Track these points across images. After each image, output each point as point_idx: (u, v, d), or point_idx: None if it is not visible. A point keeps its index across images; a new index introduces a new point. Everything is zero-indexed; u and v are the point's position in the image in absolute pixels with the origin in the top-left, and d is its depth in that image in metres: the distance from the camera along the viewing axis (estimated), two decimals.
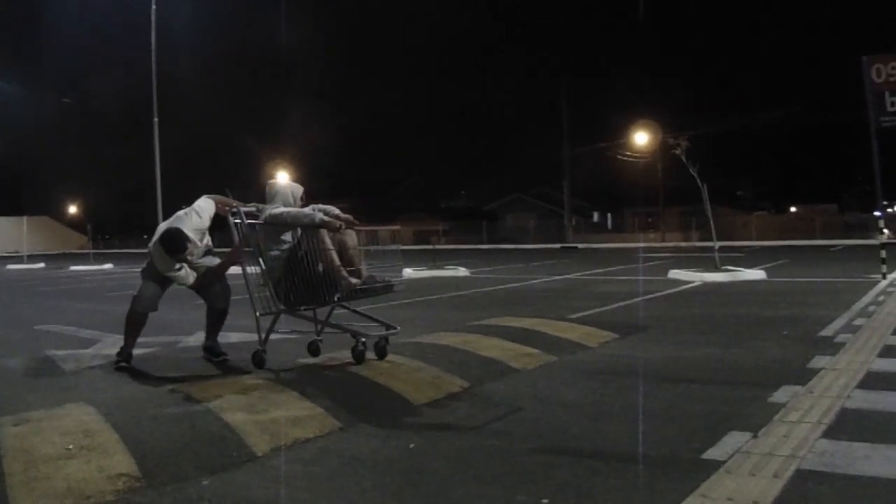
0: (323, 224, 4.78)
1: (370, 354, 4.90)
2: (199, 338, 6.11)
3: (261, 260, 4.91)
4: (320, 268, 4.79)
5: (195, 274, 5.29)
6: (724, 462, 2.96)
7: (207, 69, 67.63)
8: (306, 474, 3.01)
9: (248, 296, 4.91)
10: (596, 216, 51.29)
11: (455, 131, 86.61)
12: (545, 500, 2.65)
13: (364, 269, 4.95)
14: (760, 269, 13.24)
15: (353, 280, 4.79)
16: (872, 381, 4.23)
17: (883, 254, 11.20)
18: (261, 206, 5.14)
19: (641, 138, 37.84)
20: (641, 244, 31.57)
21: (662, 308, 8.52)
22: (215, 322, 5.55)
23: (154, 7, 21.44)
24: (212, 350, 5.51)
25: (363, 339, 4.87)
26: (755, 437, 3.27)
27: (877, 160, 11.16)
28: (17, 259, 32.50)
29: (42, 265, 27.90)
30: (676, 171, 16.36)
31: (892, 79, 10.74)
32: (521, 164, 63.90)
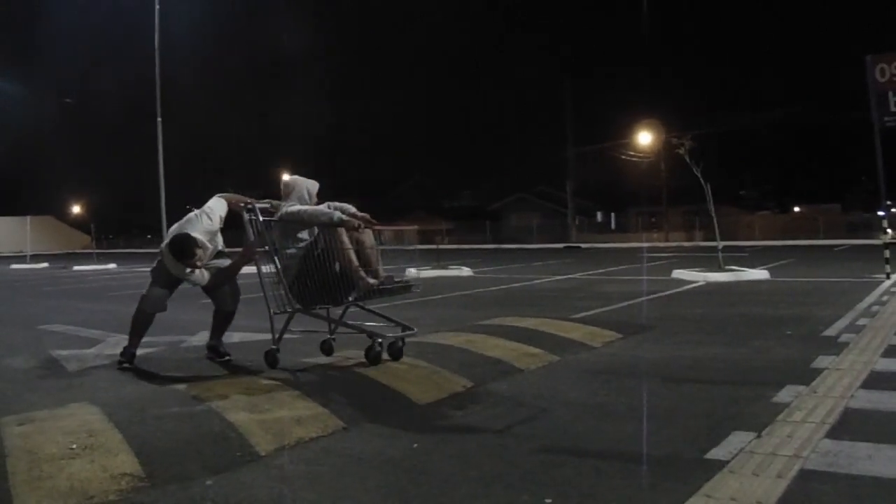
0: (342, 223, 4.71)
1: (384, 355, 4.82)
2: (202, 337, 6.13)
3: (276, 258, 4.85)
4: (337, 267, 4.73)
5: (209, 273, 5.25)
6: (728, 462, 2.96)
7: (208, 69, 67.89)
8: (310, 474, 3.01)
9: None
10: (599, 216, 51.19)
11: (458, 130, 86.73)
12: (548, 500, 2.65)
13: (381, 268, 4.88)
14: (764, 268, 13.22)
15: (371, 280, 4.73)
16: (876, 381, 4.22)
17: (886, 254, 11.16)
18: (275, 202, 5.11)
19: (645, 138, 37.78)
20: (645, 244, 31.54)
21: (666, 308, 8.51)
22: (222, 323, 5.55)
23: (157, 7, 21.48)
24: (215, 350, 5.52)
25: (380, 340, 4.78)
26: (759, 436, 3.26)
27: (880, 160, 11.15)
28: (21, 259, 32.58)
29: (46, 265, 27.96)
30: (680, 171, 16.33)
31: (895, 78, 10.72)
32: (524, 163, 64.06)
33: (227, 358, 5.43)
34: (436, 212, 52.15)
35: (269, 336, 5.00)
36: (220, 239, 5.47)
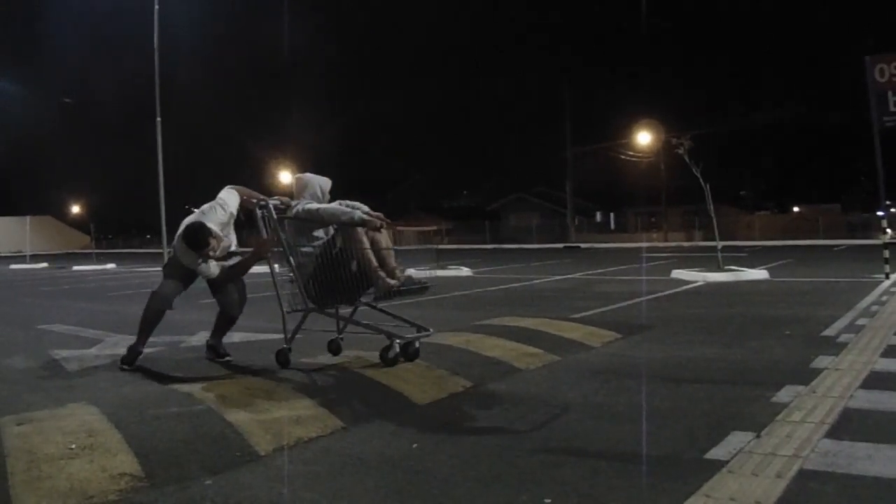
0: (363, 222, 4.64)
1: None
2: (202, 337, 6.12)
3: (290, 256, 4.80)
4: (354, 266, 4.66)
5: (220, 266, 5.19)
6: (727, 462, 2.96)
7: (208, 69, 67.85)
8: (309, 474, 3.01)
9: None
10: (599, 216, 51.21)
11: (457, 131, 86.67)
12: (548, 500, 2.65)
13: (398, 269, 4.80)
14: (763, 268, 13.23)
15: (391, 281, 4.65)
16: (875, 381, 4.23)
17: (886, 254, 11.17)
18: (285, 199, 5.07)
19: (644, 138, 37.76)
20: (644, 244, 31.53)
21: (665, 308, 8.52)
22: (224, 325, 5.54)
23: (157, 6, 21.47)
24: (215, 350, 5.51)
25: (399, 341, 4.71)
26: (758, 437, 3.26)
27: (880, 160, 11.15)
28: (21, 259, 32.57)
29: (45, 265, 27.97)
30: (679, 171, 16.34)
31: (895, 78, 10.73)
32: (523, 163, 63.97)
33: (227, 358, 5.43)
34: (435, 212, 52.18)
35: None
36: (233, 237, 5.40)
